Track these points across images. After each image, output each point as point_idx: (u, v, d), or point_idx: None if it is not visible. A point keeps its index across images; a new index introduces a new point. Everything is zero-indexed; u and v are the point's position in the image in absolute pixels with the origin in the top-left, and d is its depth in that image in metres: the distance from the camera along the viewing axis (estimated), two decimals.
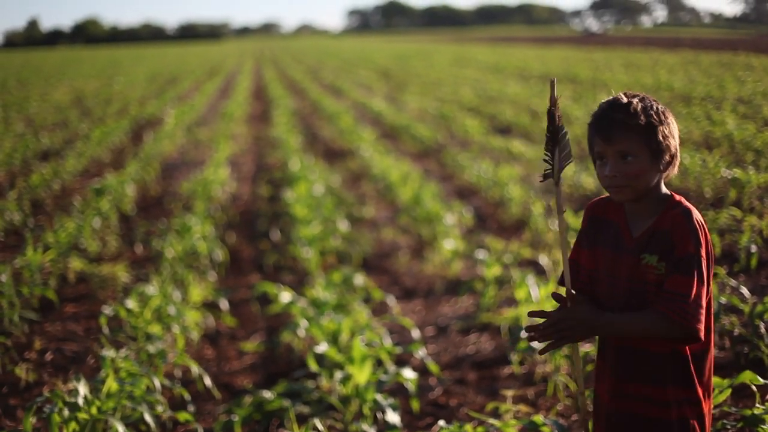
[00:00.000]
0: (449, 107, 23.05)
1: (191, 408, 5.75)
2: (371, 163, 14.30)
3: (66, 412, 4.52)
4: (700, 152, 12.79)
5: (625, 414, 3.00)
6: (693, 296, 2.78)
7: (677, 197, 2.92)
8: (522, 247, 9.23)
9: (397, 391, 5.98)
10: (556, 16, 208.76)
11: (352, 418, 5.33)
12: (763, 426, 4.06)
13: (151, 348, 5.89)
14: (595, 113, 2.98)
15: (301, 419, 5.37)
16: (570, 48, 62.11)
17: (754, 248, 7.90)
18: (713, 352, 2.98)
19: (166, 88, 36.07)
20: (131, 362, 5.26)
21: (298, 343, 6.69)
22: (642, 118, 2.84)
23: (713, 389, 3.05)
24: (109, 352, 5.48)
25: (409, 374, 5.49)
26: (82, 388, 4.65)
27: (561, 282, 3.08)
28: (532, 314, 3.04)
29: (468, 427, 4.34)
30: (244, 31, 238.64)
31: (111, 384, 4.78)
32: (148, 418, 4.87)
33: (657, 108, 2.89)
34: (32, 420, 4.56)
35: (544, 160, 3.12)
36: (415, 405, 5.57)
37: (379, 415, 5.33)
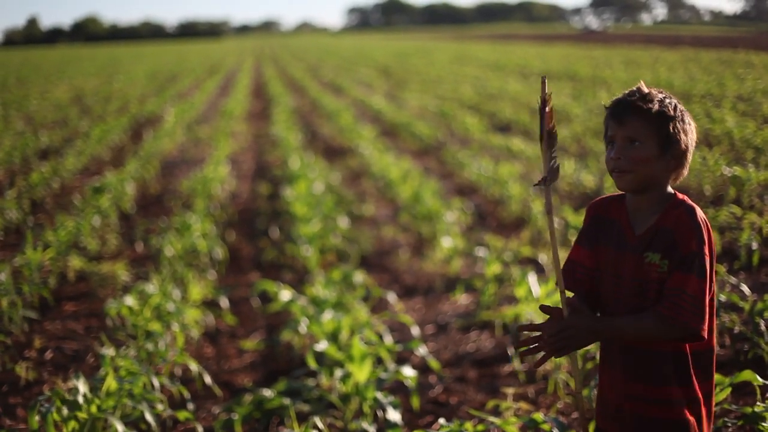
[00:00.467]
0: (449, 105, 23.05)
1: (191, 406, 5.75)
2: (371, 161, 14.29)
3: (65, 411, 4.51)
4: (700, 150, 12.78)
5: (631, 414, 2.99)
6: (693, 293, 2.76)
7: (680, 196, 2.91)
8: (522, 245, 9.23)
9: (397, 389, 5.97)
10: (556, 13, 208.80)
11: (353, 416, 5.32)
12: (763, 423, 4.05)
13: (151, 346, 5.89)
14: (614, 99, 2.99)
15: (301, 417, 5.36)
16: (570, 45, 62.10)
17: (754, 246, 7.90)
18: (716, 350, 2.98)
19: (166, 86, 36.06)
20: (131, 361, 5.25)
21: (298, 342, 6.69)
22: (656, 106, 2.86)
23: (715, 387, 3.04)
24: (108, 351, 5.48)
25: (409, 372, 5.49)
26: (82, 387, 4.65)
27: (568, 287, 3.08)
28: (522, 328, 3.03)
29: (468, 425, 4.34)
30: (244, 29, 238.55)
31: (110, 382, 4.78)
32: (148, 416, 4.87)
33: (675, 104, 2.91)
34: (36, 418, 4.54)
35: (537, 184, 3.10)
36: (416, 403, 5.56)
37: (379, 413, 5.33)
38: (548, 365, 6.10)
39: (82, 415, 4.55)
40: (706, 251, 2.80)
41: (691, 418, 2.91)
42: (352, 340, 5.53)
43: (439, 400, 5.92)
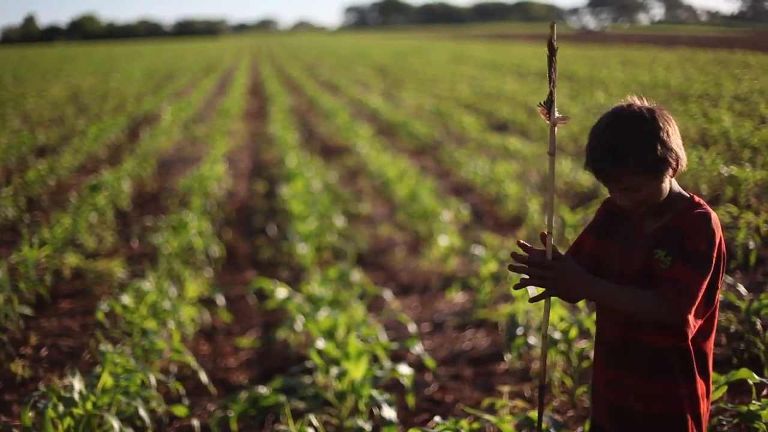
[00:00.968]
0: (446, 104, 23.06)
1: (186, 403, 5.74)
2: (368, 160, 14.29)
3: (61, 408, 4.51)
4: (697, 149, 12.79)
5: (622, 407, 3.00)
6: (694, 285, 2.76)
7: (697, 199, 2.91)
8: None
9: (393, 386, 5.98)
10: (553, 13, 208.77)
11: (348, 413, 5.32)
12: (759, 422, 4.06)
13: (147, 343, 5.88)
14: (587, 152, 2.93)
15: (297, 415, 5.36)
16: (567, 45, 62.08)
17: (751, 245, 7.90)
18: (713, 350, 2.98)
19: (163, 85, 36.04)
20: (126, 357, 5.25)
21: (294, 339, 6.68)
22: (630, 158, 2.79)
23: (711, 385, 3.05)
24: (104, 348, 5.47)
25: (404, 370, 5.49)
26: (77, 384, 4.64)
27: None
28: (519, 245, 3.02)
29: (464, 422, 4.34)
30: (241, 28, 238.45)
31: (106, 379, 4.78)
32: (143, 413, 4.87)
33: (645, 126, 2.81)
34: (30, 414, 4.54)
35: (543, 103, 3.10)
36: (411, 401, 5.56)
37: (374, 411, 5.33)
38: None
39: (77, 411, 4.54)
40: (714, 254, 2.80)
41: (689, 415, 2.92)
42: (348, 338, 5.52)
43: (434, 398, 5.92)
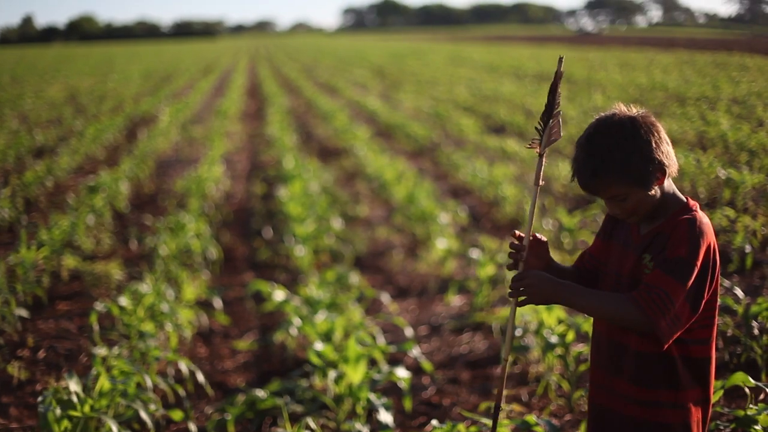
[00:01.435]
0: (444, 106, 23.06)
1: (184, 406, 5.74)
2: (366, 162, 14.29)
3: (58, 410, 4.50)
4: (695, 152, 12.80)
5: (607, 410, 3.01)
6: (667, 294, 2.74)
7: (691, 203, 2.90)
8: None
9: (391, 390, 5.98)
10: (551, 15, 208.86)
11: (345, 417, 5.33)
12: (755, 427, 4.06)
13: (144, 346, 5.88)
14: (572, 165, 2.94)
15: (294, 418, 5.36)
16: (565, 47, 62.13)
17: (748, 249, 7.91)
18: (714, 358, 2.97)
19: (161, 86, 36.03)
20: (124, 360, 5.25)
21: (292, 342, 6.68)
22: (610, 172, 2.80)
23: (712, 393, 3.04)
24: (101, 350, 5.47)
25: (402, 373, 5.49)
26: (74, 386, 4.63)
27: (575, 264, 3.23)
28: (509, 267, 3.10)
29: (461, 426, 4.34)
30: (239, 29, 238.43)
31: (103, 382, 4.77)
32: (143, 415, 4.86)
33: (624, 138, 2.80)
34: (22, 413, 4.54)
35: (536, 129, 3.14)
36: (408, 404, 5.56)
37: (372, 415, 5.33)
38: (541, 367, 6.11)
39: (75, 414, 4.54)
40: (698, 262, 2.77)
41: (677, 422, 2.92)
42: (346, 341, 5.53)
43: (432, 401, 5.93)
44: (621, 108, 2.88)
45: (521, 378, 6.12)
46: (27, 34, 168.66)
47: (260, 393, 5.37)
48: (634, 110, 2.86)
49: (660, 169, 2.82)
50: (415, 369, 6.34)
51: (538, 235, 3.11)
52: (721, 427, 4.27)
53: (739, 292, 6.27)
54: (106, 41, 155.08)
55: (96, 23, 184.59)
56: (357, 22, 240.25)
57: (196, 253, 8.82)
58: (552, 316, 5.91)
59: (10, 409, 5.75)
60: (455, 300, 8.00)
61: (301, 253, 8.77)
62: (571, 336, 5.52)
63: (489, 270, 7.48)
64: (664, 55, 42.84)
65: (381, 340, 6.37)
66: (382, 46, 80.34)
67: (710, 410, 3.00)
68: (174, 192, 12.71)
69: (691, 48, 49.18)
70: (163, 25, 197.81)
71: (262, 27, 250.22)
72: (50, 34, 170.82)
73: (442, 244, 9.11)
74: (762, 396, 5.09)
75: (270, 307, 6.99)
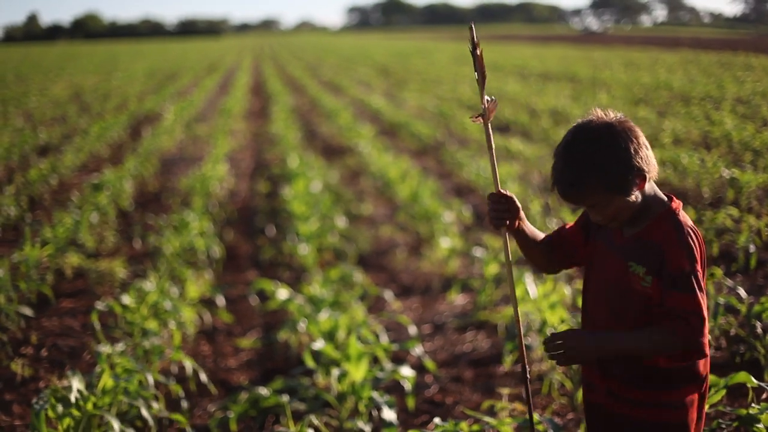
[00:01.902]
0: (448, 105, 23.05)
1: (187, 404, 5.75)
2: (370, 161, 14.29)
3: (60, 408, 4.51)
4: (699, 152, 12.79)
5: (616, 414, 3.01)
6: (698, 312, 2.77)
7: (673, 205, 2.89)
8: None
9: (393, 388, 5.98)
10: (555, 14, 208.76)
11: (348, 415, 5.33)
12: (758, 425, 4.06)
13: (148, 344, 5.89)
14: (551, 173, 2.92)
15: (297, 416, 5.37)
16: (569, 47, 62.11)
17: (752, 248, 7.90)
18: (708, 357, 2.97)
19: (165, 84, 36.06)
20: (127, 358, 5.25)
21: (295, 340, 6.69)
22: (591, 180, 2.78)
23: (707, 391, 3.05)
24: (105, 348, 5.47)
25: (406, 372, 5.49)
26: (77, 384, 4.64)
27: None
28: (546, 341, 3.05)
29: (463, 425, 4.34)
30: (244, 28, 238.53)
31: (106, 380, 4.78)
32: (145, 413, 4.87)
33: (602, 145, 2.77)
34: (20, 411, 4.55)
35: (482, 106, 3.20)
36: (411, 403, 5.57)
37: (374, 413, 5.33)
38: (544, 366, 6.11)
39: (76, 412, 4.55)
40: (699, 267, 2.80)
41: (675, 422, 2.93)
42: (348, 340, 5.53)
43: (434, 399, 5.93)
44: (598, 113, 2.84)
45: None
46: (32, 32, 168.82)
47: (263, 391, 5.37)
48: (612, 115, 2.82)
49: (639, 175, 2.79)
50: (419, 367, 6.34)
51: (505, 191, 3.15)
52: (723, 426, 4.26)
53: (742, 291, 6.26)
54: (110, 39, 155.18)
55: (100, 21, 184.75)
56: (362, 20, 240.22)
57: (200, 252, 8.83)
58: (555, 315, 5.91)
59: (13, 407, 5.76)
60: (459, 298, 8.00)
61: (304, 251, 8.77)
62: None
63: (493, 269, 7.47)
64: (668, 55, 42.81)
65: (384, 339, 6.37)
66: (387, 45, 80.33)
67: (705, 409, 3.01)
68: (178, 190, 12.72)
69: (695, 47, 49.16)
70: (168, 24, 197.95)
71: (267, 25, 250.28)
72: (55, 32, 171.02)
73: (445, 242, 9.11)
74: (765, 395, 5.09)
75: (273, 305, 6.99)
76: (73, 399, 4.55)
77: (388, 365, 5.77)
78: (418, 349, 6.09)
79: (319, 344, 5.69)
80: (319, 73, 42.41)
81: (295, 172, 12.52)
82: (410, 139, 18.02)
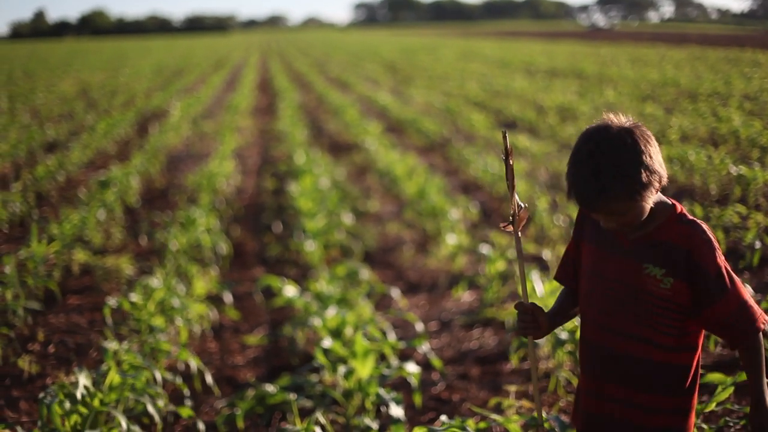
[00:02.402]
0: (455, 101, 23.02)
1: (193, 402, 5.76)
2: (376, 157, 14.29)
3: (68, 404, 4.51)
4: (706, 149, 12.76)
5: (605, 418, 3.00)
6: (745, 301, 2.81)
7: (679, 209, 2.88)
8: (526, 242, 9.22)
9: (400, 385, 5.98)
10: (563, 11, 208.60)
11: (355, 412, 5.33)
12: None
13: (154, 341, 5.89)
14: (570, 181, 2.81)
15: (304, 413, 5.37)
16: (577, 43, 62.04)
17: (758, 245, 7.89)
18: (699, 362, 2.97)
19: (172, 81, 36.08)
20: (134, 355, 5.26)
21: (302, 337, 6.69)
22: (617, 185, 2.70)
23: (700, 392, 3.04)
24: (112, 345, 5.48)
25: (412, 369, 5.49)
26: (84, 380, 4.64)
27: (557, 277, 3.26)
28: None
29: (470, 422, 4.34)
30: (251, 24, 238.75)
31: (113, 376, 4.78)
32: (151, 410, 4.87)
33: (628, 157, 2.70)
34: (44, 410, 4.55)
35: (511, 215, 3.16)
36: (418, 400, 5.56)
37: (381, 410, 5.33)
38: (551, 363, 6.10)
39: (83, 408, 4.55)
40: (727, 265, 2.85)
41: (678, 428, 2.93)
42: (355, 337, 5.53)
43: (441, 397, 5.92)
44: (612, 119, 2.77)
45: (531, 374, 6.11)
46: (39, 29, 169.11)
47: (270, 388, 5.37)
48: (625, 119, 2.77)
49: (659, 180, 2.75)
50: (425, 364, 6.33)
51: (531, 305, 3.14)
52: (731, 424, 4.26)
53: (749, 288, 6.25)
54: (117, 36, 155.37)
55: (108, 18, 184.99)
56: (368, 17, 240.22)
57: (207, 248, 8.83)
58: None
59: (20, 403, 5.77)
60: (465, 296, 7.99)
61: (311, 248, 8.77)
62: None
63: (499, 266, 7.47)
64: (676, 51, 42.73)
65: (391, 336, 6.37)
66: (394, 41, 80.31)
67: (693, 412, 3.01)
68: (185, 187, 12.73)
69: (703, 44, 49.07)
70: (175, 20, 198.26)
71: (274, 22, 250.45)
72: (62, 29, 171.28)
73: (452, 239, 9.10)
74: None
75: (280, 302, 6.99)
76: (79, 396, 4.55)
77: (395, 362, 5.77)
78: (425, 347, 6.08)
79: (326, 342, 5.69)
80: (326, 70, 42.41)
81: (301, 168, 12.52)
82: (417, 135, 18.01)
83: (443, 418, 4.50)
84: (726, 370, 5.37)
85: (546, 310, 3.16)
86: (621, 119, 2.77)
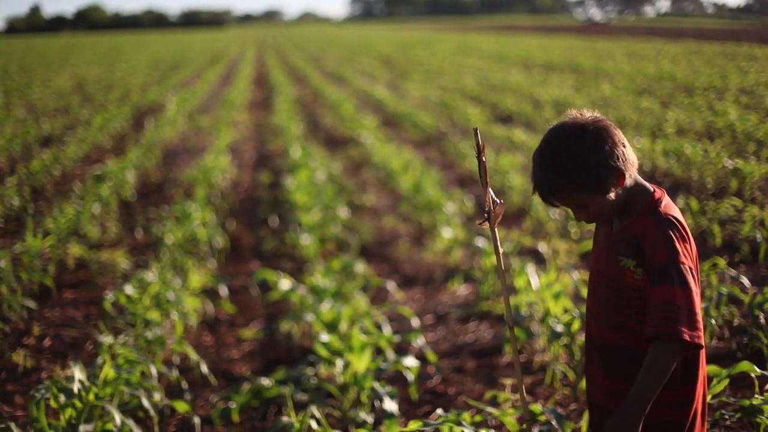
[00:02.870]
0: (451, 96, 23.01)
1: (189, 395, 5.75)
2: (372, 151, 14.28)
3: (63, 398, 4.50)
4: (702, 142, 12.76)
5: (608, 409, 3.00)
6: (670, 302, 2.73)
7: (657, 195, 2.89)
8: (522, 236, 9.22)
9: (396, 379, 5.97)
10: (559, 5, 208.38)
11: (350, 405, 5.32)
12: (761, 416, 4.04)
13: (150, 334, 5.88)
14: (531, 179, 2.96)
15: (300, 406, 5.36)
16: (573, 37, 61.99)
17: (759, 237, 7.89)
18: (704, 354, 2.95)
19: (168, 75, 36.03)
20: (129, 349, 5.24)
21: (297, 331, 6.68)
22: (562, 187, 2.82)
23: (706, 384, 3.03)
24: (107, 339, 5.47)
25: (409, 362, 5.48)
26: (79, 374, 4.63)
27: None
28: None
29: (466, 415, 4.33)
30: (247, 19, 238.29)
31: (108, 370, 4.77)
32: (146, 403, 4.86)
33: (576, 153, 2.79)
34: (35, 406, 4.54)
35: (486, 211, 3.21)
36: (415, 393, 5.56)
37: (376, 403, 5.33)
38: (546, 356, 6.10)
39: (78, 402, 4.54)
40: (682, 259, 2.76)
41: (681, 420, 2.92)
42: (351, 330, 5.52)
43: (437, 390, 5.92)
44: (573, 115, 2.85)
45: (526, 367, 6.11)
46: (35, 24, 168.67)
47: (265, 381, 5.37)
48: (587, 116, 2.83)
49: (616, 174, 2.79)
50: (421, 357, 6.33)
51: None
52: (726, 417, 4.25)
53: (745, 281, 6.26)
54: (113, 30, 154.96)
55: (104, 12, 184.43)
56: (365, 11, 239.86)
57: (202, 242, 8.82)
58: (558, 305, 5.90)
59: (15, 397, 5.76)
60: (461, 289, 7.99)
61: (307, 241, 8.76)
62: (576, 325, 5.49)
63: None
64: (672, 45, 42.72)
65: (387, 329, 6.36)
66: (390, 36, 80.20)
67: (699, 406, 2.97)
68: (180, 181, 12.72)
69: (699, 38, 49.05)
70: (171, 15, 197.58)
71: (270, 16, 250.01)
72: (58, 24, 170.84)
73: (448, 233, 9.10)
74: None
75: (276, 295, 6.99)
76: (76, 390, 4.54)
77: (391, 356, 5.77)
78: (420, 341, 6.08)
79: (324, 336, 5.68)
80: (322, 64, 42.37)
81: (297, 162, 12.51)
82: (413, 129, 18.00)
83: (439, 411, 4.50)
84: (721, 362, 5.37)
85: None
86: (584, 115, 2.83)
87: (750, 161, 10.83)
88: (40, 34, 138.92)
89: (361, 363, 5.29)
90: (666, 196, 2.91)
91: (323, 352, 5.57)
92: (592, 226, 3.22)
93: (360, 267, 7.82)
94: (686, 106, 17.48)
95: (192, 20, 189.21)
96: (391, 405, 4.96)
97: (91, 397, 4.58)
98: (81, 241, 9.32)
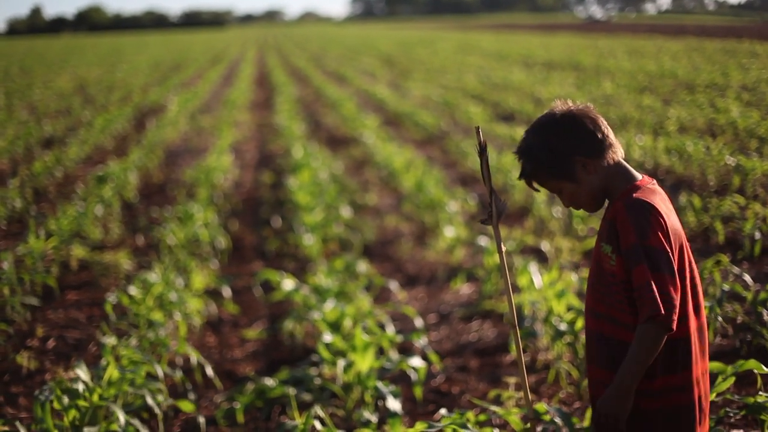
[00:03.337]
0: (453, 94, 23.00)
1: (193, 396, 5.75)
2: (374, 151, 14.28)
3: (66, 400, 4.50)
4: (704, 139, 12.75)
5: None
6: (644, 284, 2.76)
7: (638, 181, 2.94)
8: (525, 234, 9.21)
9: (400, 378, 5.97)
10: (560, 3, 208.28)
11: (354, 405, 5.32)
12: (766, 414, 4.04)
13: (153, 335, 5.88)
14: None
15: (303, 407, 5.36)
16: (574, 35, 61.93)
17: (757, 235, 7.88)
18: (695, 339, 2.95)
19: (170, 76, 36.03)
20: (133, 350, 5.25)
21: (300, 331, 6.68)
22: (528, 172, 3.04)
23: (707, 374, 3.02)
24: (110, 340, 5.47)
25: (415, 362, 5.48)
26: (83, 375, 4.64)
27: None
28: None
29: (470, 414, 4.33)
30: (248, 19, 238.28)
31: (112, 371, 4.77)
32: (150, 402, 4.87)
33: (540, 140, 2.99)
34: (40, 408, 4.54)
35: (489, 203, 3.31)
36: (418, 393, 5.55)
37: (380, 403, 5.33)
38: (550, 355, 6.10)
39: (82, 403, 4.54)
40: (653, 243, 2.78)
41: (676, 407, 2.92)
42: (354, 330, 5.52)
43: (441, 389, 5.92)
44: (555, 105, 3.02)
45: (530, 366, 6.10)
46: (36, 25, 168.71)
47: (269, 382, 5.38)
48: (568, 106, 2.99)
49: (582, 163, 2.92)
50: (424, 356, 6.33)
51: None
52: (731, 415, 4.25)
53: (748, 278, 6.24)
54: (114, 31, 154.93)
55: (104, 14, 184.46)
56: (366, 10, 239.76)
57: (205, 243, 8.83)
58: (561, 304, 5.89)
59: (20, 399, 5.77)
60: (464, 288, 7.99)
61: (309, 241, 8.76)
62: (580, 323, 5.48)
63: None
64: (673, 43, 42.68)
65: (390, 329, 6.36)
66: (391, 35, 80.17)
67: (697, 392, 2.97)
68: (183, 182, 12.72)
69: (700, 35, 48.99)
70: (172, 15, 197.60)
71: (271, 16, 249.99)
72: (59, 25, 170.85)
73: (450, 232, 9.10)
74: None
75: (279, 296, 6.99)
76: (80, 389, 4.55)
77: (395, 356, 5.77)
78: (422, 341, 6.08)
79: (326, 336, 5.68)
80: (324, 64, 42.37)
81: (299, 162, 12.51)
82: (415, 128, 17.99)
83: (443, 411, 4.50)
84: (726, 359, 5.37)
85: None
86: (564, 106, 2.99)
87: (752, 158, 10.82)
88: (41, 36, 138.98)
89: (365, 363, 5.30)
90: (655, 185, 2.96)
91: (325, 353, 5.57)
92: (597, 223, 3.26)
93: (363, 266, 7.82)
94: (688, 104, 17.46)
95: (193, 21, 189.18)
96: (394, 404, 4.96)
97: (96, 398, 4.59)
98: (84, 243, 9.32)
